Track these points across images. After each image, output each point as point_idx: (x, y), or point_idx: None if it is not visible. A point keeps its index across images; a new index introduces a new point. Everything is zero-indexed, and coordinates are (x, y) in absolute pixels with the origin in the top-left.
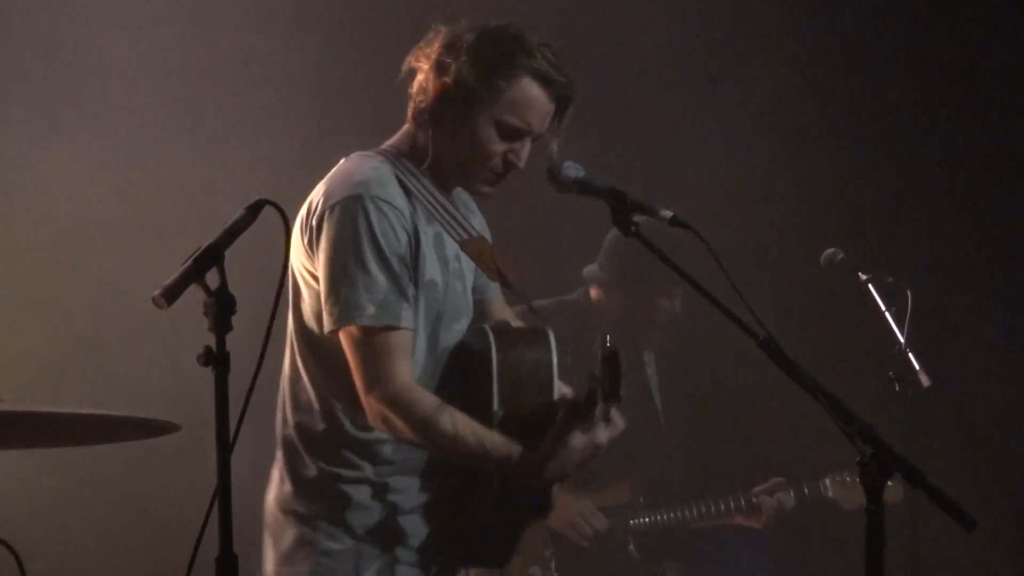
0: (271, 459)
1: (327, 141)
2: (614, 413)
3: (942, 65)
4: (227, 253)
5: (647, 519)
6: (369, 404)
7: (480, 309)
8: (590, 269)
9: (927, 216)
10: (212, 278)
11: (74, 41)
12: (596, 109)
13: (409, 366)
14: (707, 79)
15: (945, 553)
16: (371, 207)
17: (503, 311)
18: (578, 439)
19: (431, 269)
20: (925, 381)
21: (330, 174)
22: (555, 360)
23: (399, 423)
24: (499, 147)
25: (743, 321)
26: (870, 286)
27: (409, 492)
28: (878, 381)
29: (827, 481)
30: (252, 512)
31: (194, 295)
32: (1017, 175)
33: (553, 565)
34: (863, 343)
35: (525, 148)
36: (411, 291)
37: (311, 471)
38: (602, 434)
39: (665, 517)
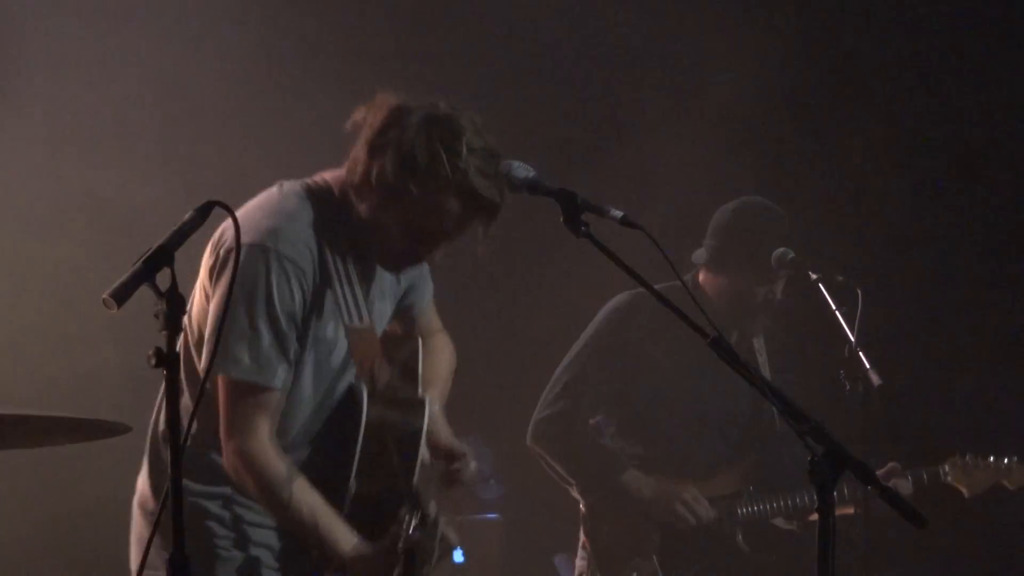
0: None
1: (283, 146)
2: (451, 535)
3: (891, 64)
4: (177, 254)
5: (755, 508)
6: (226, 452)
7: (411, 322)
8: (698, 253)
9: (877, 216)
10: (163, 279)
11: (29, 33)
12: (561, 111)
13: (271, 426)
14: (666, 82)
15: (895, 549)
16: (274, 264)
17: (432, 321)
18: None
19: (326, 326)
20: (876, 379)
21: (254, 202)
22: (423, 431)
23: (247, 480)
24: (404, 243)
25: (694, 321)
26: (820, 285)
27: (264, 523)
28: (829, 380)
29: (946, 466)
30: None
31: (145, 296)
32: (967, 175)
33: (656, 557)
34: (813, 342)
35: (438, 248)
36: (293, 351)
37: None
38: (433, 559)
39: (774, 505)
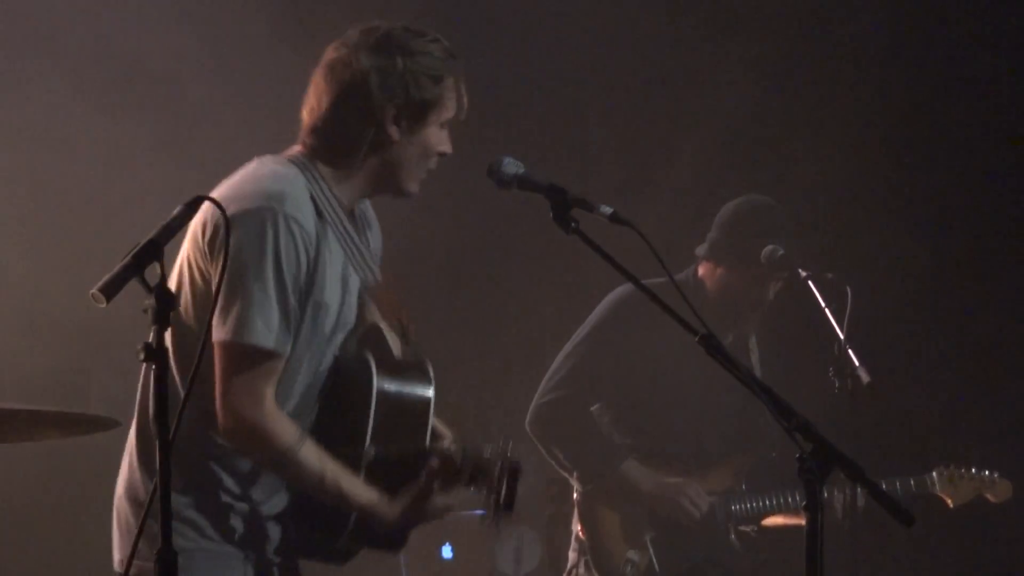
0: None
1: (274, 138)
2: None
3: (883, 62)
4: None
5: (748, 505)
6: (227, 422)
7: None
8: (701, 246)
9: (866, 213)
10: (151, 273)
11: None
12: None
13: (273, 392)
14: (660, 77)
15: (883, 549)
16: (282, 226)
17: (374, 315)
18: (434, 500)
19: (329, 291)
20: (864, 377)
21: (241, 174)
22: (432, 397)
23: (256, 449)
24: (442, 146)
25: (683, 318)
26: (810, 283)
27: (269, 498)
28: (818, 377)
29: (934, 475)
30: None
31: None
32: (955, 172)
33: (651, 550)
34: (803, 340)
35: (449, 134)
36: (295, 316)
37: None
38: (456, 501)
39: (766, 504)
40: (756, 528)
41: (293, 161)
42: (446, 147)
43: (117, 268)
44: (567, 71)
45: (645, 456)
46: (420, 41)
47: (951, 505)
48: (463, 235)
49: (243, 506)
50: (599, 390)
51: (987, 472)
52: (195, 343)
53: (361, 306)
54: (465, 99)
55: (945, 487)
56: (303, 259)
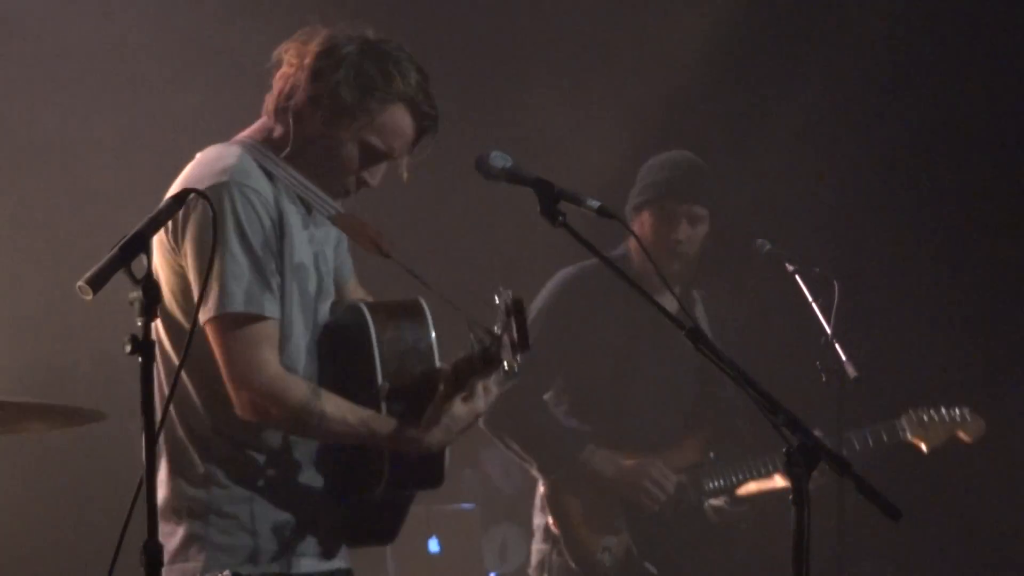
0: None
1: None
2: (492, 381)
3: (870, 59)
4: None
5: (720, 477)
6: (239, 395)
7: (336, 288)
8: (627, 209)
9: (853, 207)
10: (138, 266)
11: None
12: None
13: (276, 355)
14: (653, 72)
15: (869, 543)
16: (236, 193)
17: (357, 290)
18: (459, 407)
19: (300, 251)
20: (852, 372)
21: (190, 166)
22: (432, 331)
23: (275, 412)
24: (356, 166)
25: (670, 312)
26: (797, 277)
27: (301, 479)
28: (805, 372)
29: (902, 421)
30: None
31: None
32: (943, 167)
33: (628, 534)
34: (790, 334)
35: (381, 170)
36: (276, 280)
37: (199, 468)
38: (481, 401)
39: (738, 475)
40: (731, 499)
41: (238, 140)
42: (353, 166)
43: (104, 260)
44: (563, 68)
45: (606, 440)
46: (391, 61)
47: (925, 450)
48: (456, 230)
49: (281, 493)
50: (552, 376)
51: (957, 410)
52: (203, 341)
53: (342, 282)
54: (410, 144)
55: (916, 431)
56: (266, 221)
